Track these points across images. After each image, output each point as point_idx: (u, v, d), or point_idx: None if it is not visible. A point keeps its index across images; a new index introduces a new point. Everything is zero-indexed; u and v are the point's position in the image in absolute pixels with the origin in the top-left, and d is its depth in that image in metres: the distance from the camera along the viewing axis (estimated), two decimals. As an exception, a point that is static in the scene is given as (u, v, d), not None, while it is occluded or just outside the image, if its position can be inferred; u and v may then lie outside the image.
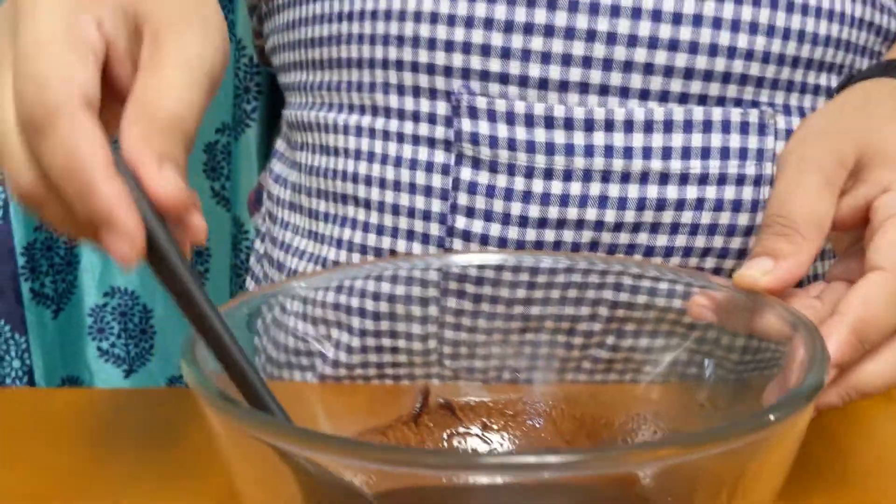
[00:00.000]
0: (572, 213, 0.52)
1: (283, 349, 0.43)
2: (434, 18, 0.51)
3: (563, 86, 0.51)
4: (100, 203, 0.30)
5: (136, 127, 0.32)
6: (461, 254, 0.53)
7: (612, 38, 0.50)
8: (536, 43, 0.50)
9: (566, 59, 0.50)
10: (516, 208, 0.52)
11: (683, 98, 0.51)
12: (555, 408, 0.45)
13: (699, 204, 0.52)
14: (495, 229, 0.53)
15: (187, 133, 0.33)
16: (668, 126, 0.51)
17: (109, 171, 0.30)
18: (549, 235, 0.53)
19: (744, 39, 0.50)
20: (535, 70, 0.51)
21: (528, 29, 0.50)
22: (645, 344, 0.48)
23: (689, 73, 0.51)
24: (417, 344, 0.52)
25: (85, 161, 0.30)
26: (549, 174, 0.52)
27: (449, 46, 0.52)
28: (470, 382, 0.46)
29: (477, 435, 0.44)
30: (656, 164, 0.51)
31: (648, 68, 0.50)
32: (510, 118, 0.52)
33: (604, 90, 0.51)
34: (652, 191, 0.52)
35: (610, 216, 0.52)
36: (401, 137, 0.55)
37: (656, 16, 0.50)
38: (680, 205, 0.52)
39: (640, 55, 0.50)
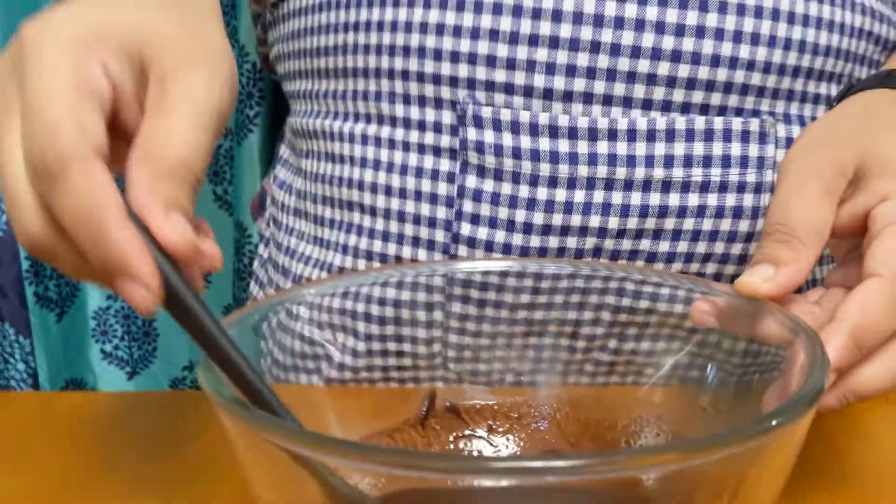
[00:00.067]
0: (576, 220, 0.53)
1: (290, 352, 0.43)
2: (440, 30, 0.52)
3: (568, 96, 0.51)
4: (115, 251, 0.30)
5: (143, 173, 0.31)
6: (466, 260, 0.54)
7: (615, 50, 0.50)
8: (541, 54, 0.51)
9: (570, 70, 0.51)
10: (520, 215, 0.53)
11: (685, 107, 0.52)
12: (559, 411, 0.45)
13: (701, 211, 0.52)
14: (500, 236, 0.54)
15: (195, 175, 0.33)
16: (671, 135, 0.52)
17: (123, 219, 0.30)
18: (553, 242, 0.53)
19: (745, 50, 0.51)
20: (539, 80, 0.51)
21: (534, 40, 0.51)
22: (647, 347, 0.48)
23: (691, 84, 0.51)
24: (422, 348, 0.53)
25: (99, 209, 0.30)
26: (553, 182, 0.52)
27: (455, 57, 0.52)
28: (475, 386, 0.46)
29: (482, 437, 0.45)
30: (659, 172, 0.52)
31: (651, 79, 0.51)
32: (515, 127, 0.52)
33: (607, 100, 0.51)
34: (654, 198, 0.52)
35: (613, 223, 0.52)
36: (406, 146, 0.55)
37: (659, 27, 0.50)
38: (682, 212, 0.52)
39: (644, 66, 0.50)
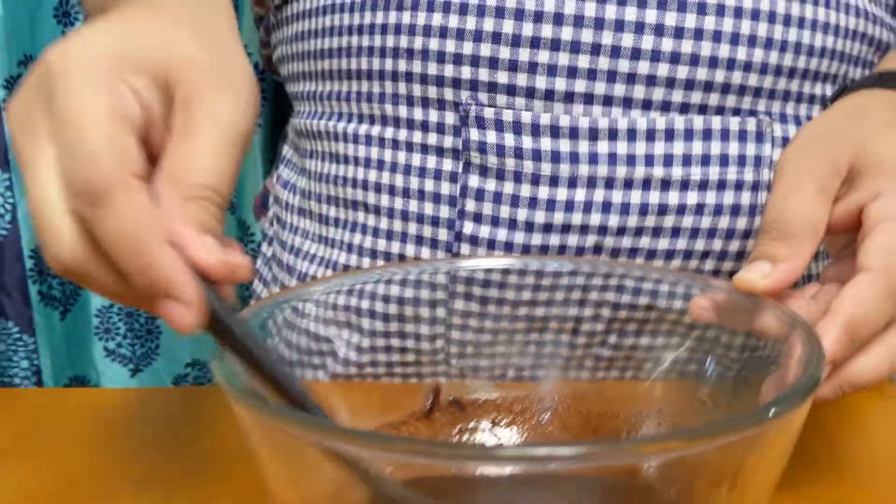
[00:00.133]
0: (577, 218, 0.53)
1: (296, 349, 0.43)
2: (444, 32, 0.52)
3: (569, 97, 0.52)
4: (159, 273, 0.30)
5: (171, 196, 0.32)
6: (469, 258, 0.54)
7: (616, 52, 0.51)
8: (543, 56, 0.51)
9: (572, 72, 0.51)
10: (522, 214, 0.53)
11: (684, 108, 0.52)
12: (561, 404, 0.45)
13: (699, 209, 0.53)
14: (502, 234, 0.54)
15: (222, 197, 0.33)
16: (670, 135, 0.52)
17: (165, 242, 0.31)
18: (554, 240, 0.54)
19: (742, 52, 0.51)
20: (541, 82, 0.52)
21: (535, 43, 0.51)
22: (646, 343, 0.49)
23: (689, 84, 0.52)
24: (425, 344, 0.53)
25: (144, 233, 0.30)
26: (554, 181, 0.53)
27: (458, 59, 0.52)
28: (477, 380, 0.47)
29: (486, 430, 0.45)
30: (658, 171, 0.52)
31: (651, 80, 0.51)
32: (517, 128, 0.53)
33: (608, 101, 0.52)
34: (654, 196, 0.53)
35: (613, 221, 0.53)
36: (410, 146, 0.55)
37: (659, 30, 0.51)
38: (681, 210, 0.53)
39: (643, 67, 0.51)
